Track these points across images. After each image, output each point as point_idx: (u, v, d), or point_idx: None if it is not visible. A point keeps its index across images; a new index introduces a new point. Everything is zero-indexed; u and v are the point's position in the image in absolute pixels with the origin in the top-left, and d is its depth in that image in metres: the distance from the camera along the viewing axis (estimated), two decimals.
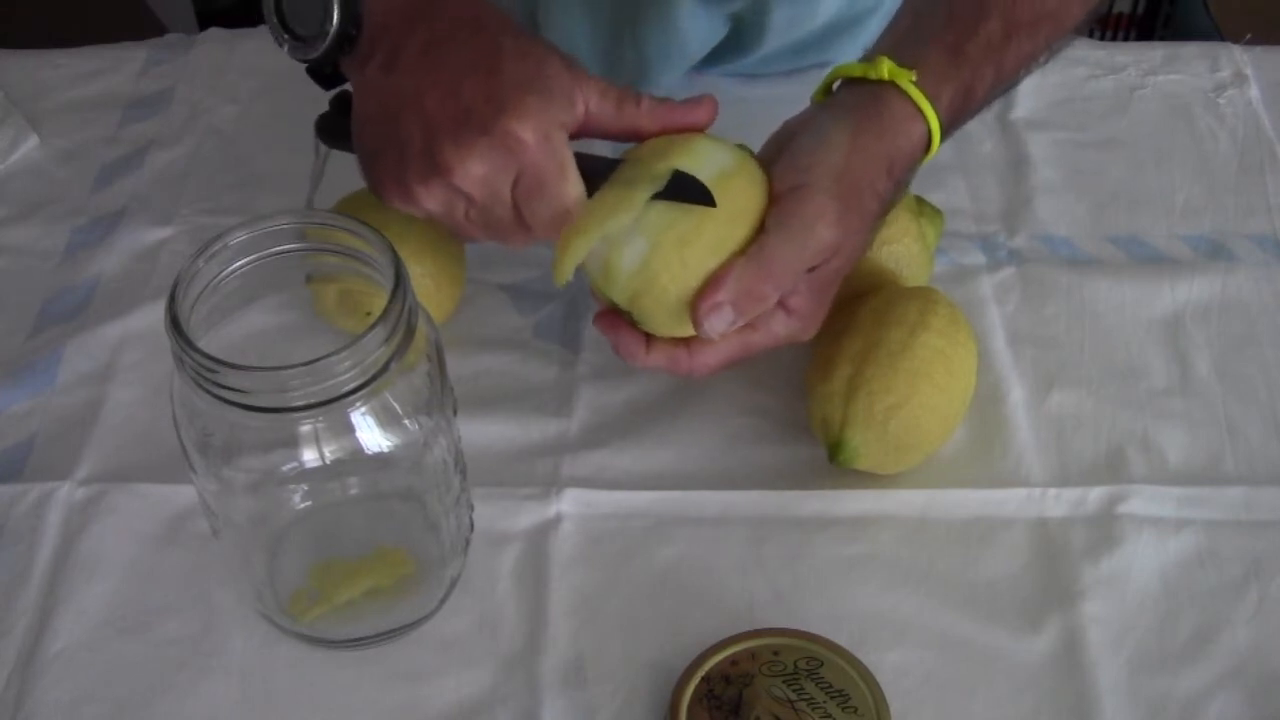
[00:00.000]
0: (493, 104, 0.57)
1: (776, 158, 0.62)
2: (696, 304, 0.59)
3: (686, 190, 0.59)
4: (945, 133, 0.63)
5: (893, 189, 0.62)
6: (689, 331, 0.61)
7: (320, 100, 0.66)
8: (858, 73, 0.63)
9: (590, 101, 0.60)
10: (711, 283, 0.59)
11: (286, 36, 0.63)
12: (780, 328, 0.62)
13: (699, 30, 0.85)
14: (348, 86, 0.64)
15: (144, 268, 0.78)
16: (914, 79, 0.61)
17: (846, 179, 0.60)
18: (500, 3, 0.63)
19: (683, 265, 0.59)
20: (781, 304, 0.61)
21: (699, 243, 0.59)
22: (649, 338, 0.62)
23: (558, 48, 0.61)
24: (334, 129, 0.66)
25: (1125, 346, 0.74)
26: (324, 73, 0.64)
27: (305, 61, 0.63)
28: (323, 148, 0.69)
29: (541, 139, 0.57)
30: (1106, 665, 0.61)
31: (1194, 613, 0.63)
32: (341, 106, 0.66)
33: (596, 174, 0.60)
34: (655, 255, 0.59)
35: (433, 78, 0.59)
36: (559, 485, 0.67)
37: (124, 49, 0.95)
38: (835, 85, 0.65)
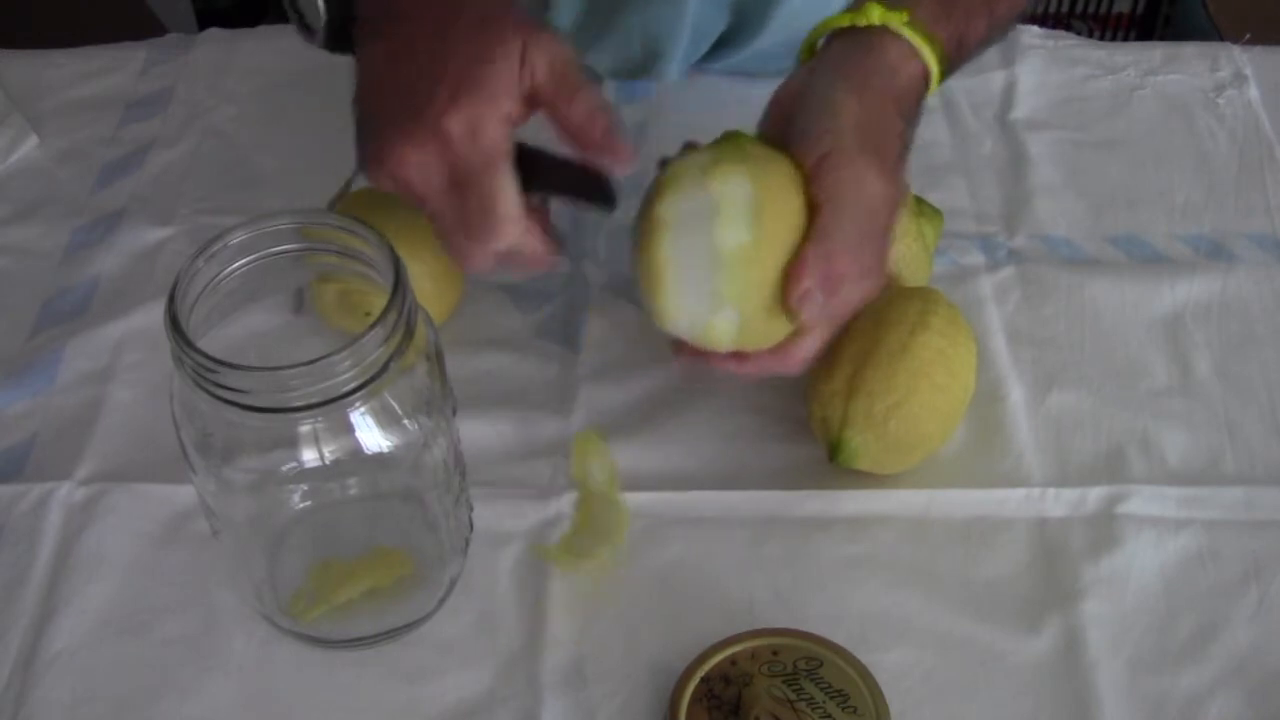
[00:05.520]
0: (430, 94, 0.57)
1: (787, 130, 0.61)
2: (786, 300, 0.58)
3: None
4: (941, 76, 0.63)
5: (906, 127, 0.62)
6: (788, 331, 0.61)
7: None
8: (845, 22, 0.63)
9: (537, 73, 0.58)
10: (791, 275, 0.58)
11: (297, 24, 0.64)
12: (855, 293, 0.61)
13: (705, 14, 0.85)
14: None
15: (144, 268, 0.78)
16: (906, 20, 0.61)
17: (866, 131, 0.60)
18: None
19: (775, 302, 0.59)
20: None
21: (777, 272, 0.59)
22: (738, 355, 0.62)
23: (523, 13, 0.60)
24: None
25: (1125, 346, 0.74)
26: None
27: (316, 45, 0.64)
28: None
29: (467, 132, 0.57)
30: (1106, 665, 0.61)
31: (1194, 613, 0.63)
32: None
33: (538, 169, 0.59)
34: (748, 314, 0.59)
35: (398, 61, 0.59)
36: (559, 485, 0.67)
37: (124, 49, 0.95)
38: (820, 42, 0.65)
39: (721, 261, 0.58)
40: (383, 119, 0.58)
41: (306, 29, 0.64)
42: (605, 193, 0.60)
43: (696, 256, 0.58)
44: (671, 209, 0.59)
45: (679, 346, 0.63)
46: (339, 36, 0.63)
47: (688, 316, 0.60)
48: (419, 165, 0.57)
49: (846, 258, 0.58)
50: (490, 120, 0.57)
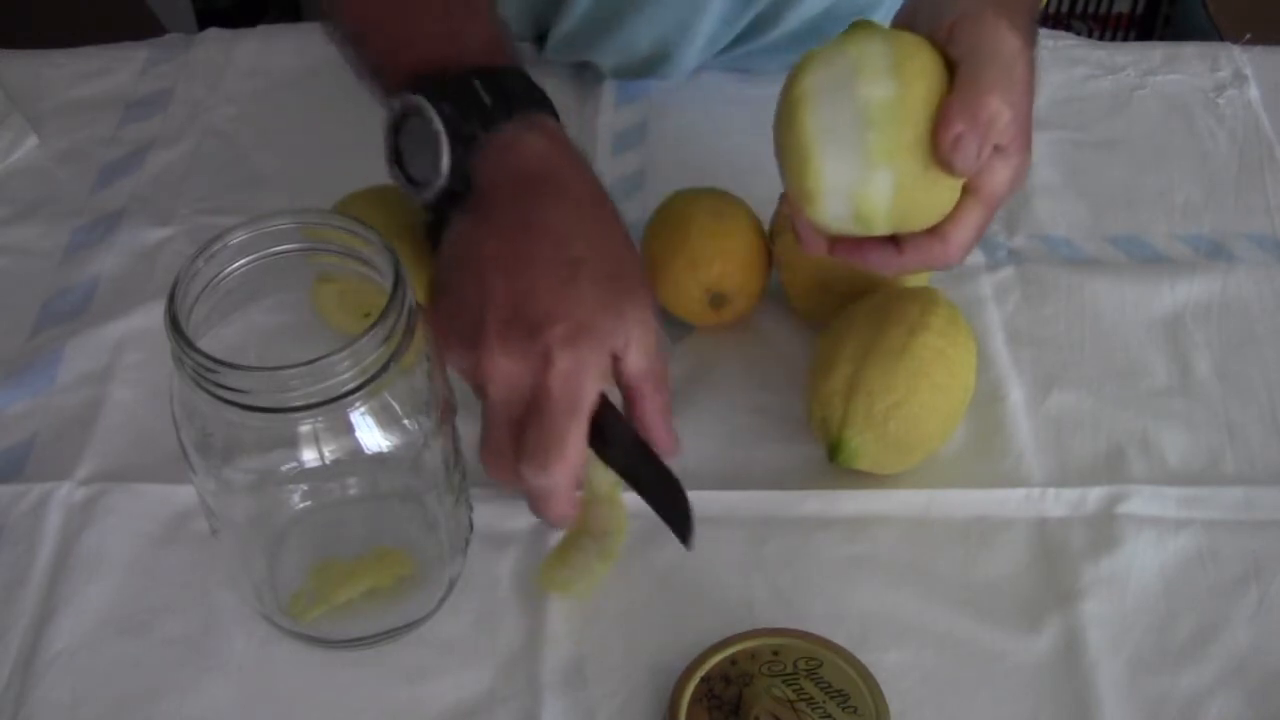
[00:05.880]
0: (548, 316, 0.56)
1: (914, 17, 0.60)
2: (939, 149, 0.56)
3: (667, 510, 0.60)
4: None
5: (1034, 18, 0.62)
6: (947, 210, 0.59)
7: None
8: None
9: (629, 355, 0.58)
10: (941, 123, 0.56)
11: (401, 177, 0.63)
12: (1003, 171, 0.59)
13: (726, 13, 0.85)
14: None
15: (144, 268, 0.78)
16: None
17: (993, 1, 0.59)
18: None
19: (928, 161, 0.57)
20: (994, 147, 0.59)
21: (927, 127, 0.56)
22: (896, 242, 0.60)
23: (641, 275, 0.60)
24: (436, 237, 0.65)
25: (1125, 346, 0.74)
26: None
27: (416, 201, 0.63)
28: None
29: (570, 372, 0.56)
30: (1106, 665, 0.61)
31: (1194, 613, 0.63)
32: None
33: (606, 440, 0.58)
34: (902, 174, 0.57)
35: (514, 253, 0.58)
36: None
37: (124, 49, 0.95)
38: None
39: (869, 118, 0.56)
40: (490, 308, 0.57)
41: (409, 179, 0.62)
42: (685, 516, 0.59)
43: (843, 119, 0.56)
44: (811, 80, 0.57)
45: (833, 242, 0.61)
46: (446, 201, 0.61)
47: (842, 185, 0.57)
48: (508, 377, 0.56)
49: (993, 100, 0.56)
50: (593, 372, 0.56)
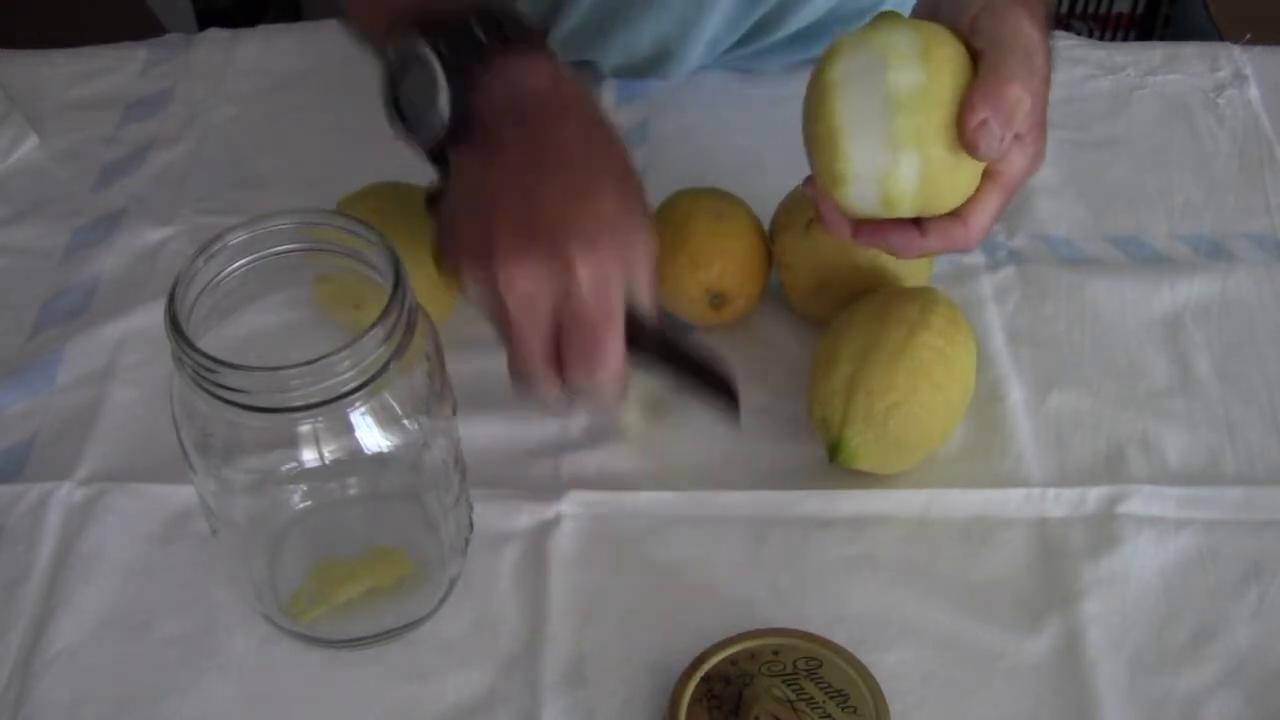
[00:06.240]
0: (566, 224, 0.56)
1: (936, 9, 0.62)
2: (963, 133, 0.58)
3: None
4: None
5: (1050, 12, 0.63)
6: (968, 194, 0.60)
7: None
8: None
9: (637, 270, 0.58)
10: (965, 108, 0.58)
11: (399, 123, 0.62)
12: (1020, 158, 0.61)
13: (732, 14, 0.85)
14: None
15: (144, 268, 0.78)
16: None
17: None
18: None
19: (953, 146, 0.58)
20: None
21: (953, 111, 0.58)
22: (918, 225, 0.61)
23: (644, 195, 0.60)
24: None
25: (1125, 346, 0.74)
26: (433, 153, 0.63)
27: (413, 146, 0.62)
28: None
29: (596, 279, 0.55)
30: (1106, 665, 0.61)
31: (1194, 613, 0.63)
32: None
33: (637, 337, 0.58)
34: (929, 159, 0.58)
35: (523, 180, 0.57)
36: (559, 485, 0.67)
37: (124, 49, 0.95)
38: None
39: (897, 104, 0.58)
40: (504, 222, 0.56)
41: (406, 124, 0.61)
42: (729, 394, 0.60)
43: (871, 105, 0.58)
44: (839, 69, 0.59)
45: (857, 226, 0.62)
46: (445, 142, 0.61)
47: (870, 169, 0.58)
48: (529, 288, 0.56)
49: (1015, 87, 0.58)
50: (618, 277, 0.56)
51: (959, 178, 0.60)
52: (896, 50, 0.58)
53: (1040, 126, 0.62)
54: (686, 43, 0.86)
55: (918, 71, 0.58)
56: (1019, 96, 0.58)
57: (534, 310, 0.56)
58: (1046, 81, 0.61)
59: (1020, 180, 0.62)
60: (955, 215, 0.61)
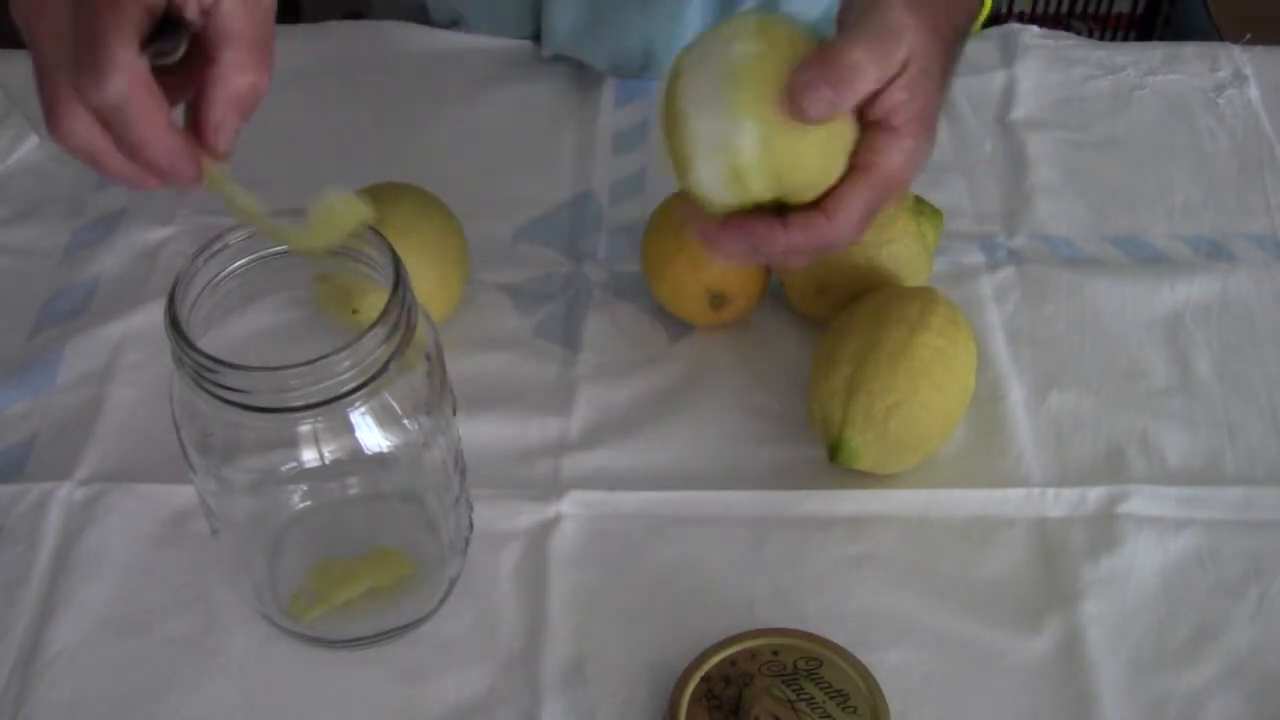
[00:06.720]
0: None
1: (845, 14, 0.60)
2: (786, 92, 0.56)
3: None
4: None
5: (957, 23, 0.61)
6: (835, 178, 0.58)
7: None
8: None
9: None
10: (800, 66, 0.56)
11: None
12: (897, 154, 0.58)
13: (708, 17, 0.84)
14: None
15: (144, 268, 0.78)
16: None
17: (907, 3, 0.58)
18: None
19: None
20: (885, 126, 0.58)
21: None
22: (782, 215, 0.59)
23: None
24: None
25: (1125, 346, 0.74)
26: None
27: None
28: None
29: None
30: (1106, 665, 0.61)
31: (1194, 613, 0.63)
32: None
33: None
34: (767, 127, 0.57)
35: None
36: (559, 485, 0.67)
37: None
38: None
39: (732, 73, 0.57)
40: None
41: None
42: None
43: (710, 82, 0.57)
44: (686, 58, 0.59)
45: (724, 223, 0.60)
46: None
47: (711, 143, 0.57)
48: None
49: (856, 52, 0.55)
50: None
51: (805, 149, 0.57)
52: (737, 32, 0.58)
53: (924, 123, 0.58)
54: (671, 43, 0.86)
55: (754, 43, 0.57)
56: (857, 61, 0.55)
57: (46, 25, 0.55)
58: (938, 83, 0.59)
59: (897, 177, 0.59)
60: (817, 206, 0.59)
